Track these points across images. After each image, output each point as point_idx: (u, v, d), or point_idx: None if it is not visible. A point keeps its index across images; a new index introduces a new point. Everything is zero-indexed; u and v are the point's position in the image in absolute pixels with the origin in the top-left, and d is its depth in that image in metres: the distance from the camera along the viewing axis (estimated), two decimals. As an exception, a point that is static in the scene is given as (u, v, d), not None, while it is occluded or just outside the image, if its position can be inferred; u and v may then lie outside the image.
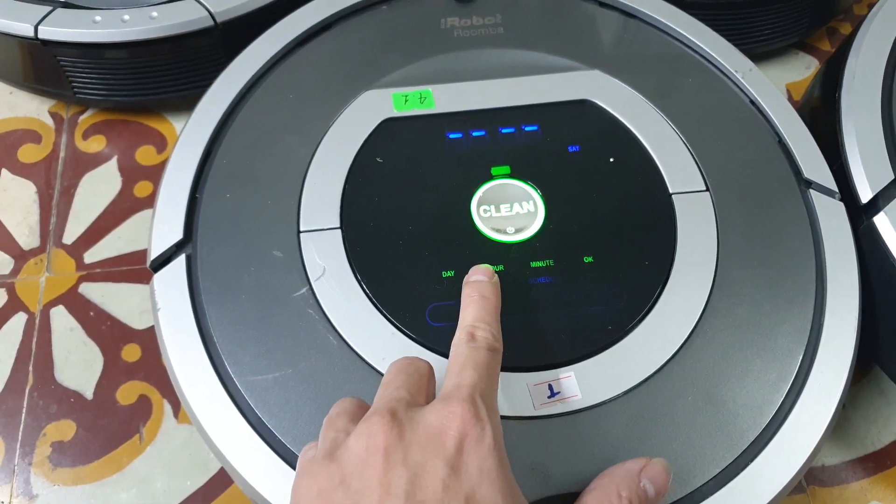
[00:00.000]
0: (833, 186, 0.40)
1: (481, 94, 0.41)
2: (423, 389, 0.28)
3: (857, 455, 0.42)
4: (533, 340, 0.35)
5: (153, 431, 0.42)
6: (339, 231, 0.37)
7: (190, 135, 0.40)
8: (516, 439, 0.32)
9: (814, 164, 0.41)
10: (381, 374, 0.33)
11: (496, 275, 0.33)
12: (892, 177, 0.40)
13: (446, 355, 0.34)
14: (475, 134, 0.40)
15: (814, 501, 0.41)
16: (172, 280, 0.36)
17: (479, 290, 0.32)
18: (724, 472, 0.32)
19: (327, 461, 0.25)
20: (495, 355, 0.29)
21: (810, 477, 0.42)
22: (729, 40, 0.45)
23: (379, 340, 0.34)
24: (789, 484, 0.32)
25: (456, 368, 0.28)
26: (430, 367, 0.30)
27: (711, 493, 0.32)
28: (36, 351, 0.44)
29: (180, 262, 0.36)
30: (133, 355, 0.44)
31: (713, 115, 0.42)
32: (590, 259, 0.37)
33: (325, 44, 0.44)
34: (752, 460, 0.32)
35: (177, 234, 0.37)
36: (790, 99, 0.56)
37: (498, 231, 0.37)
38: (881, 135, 0.41)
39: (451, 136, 0.40)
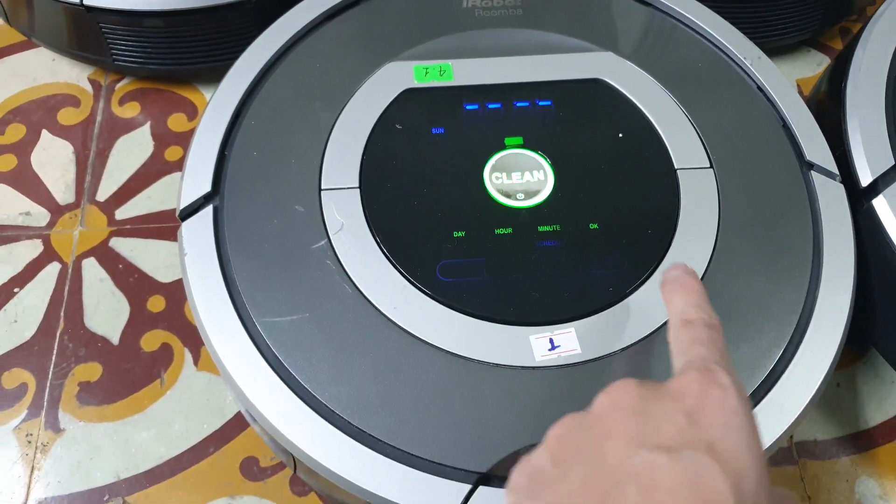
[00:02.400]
0: (834, 169, 0.41)
1: (499, 70, 0.43)
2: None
3: (850, 432, 0.44)
4: (537, 298, 0.36)
5: (173, 377, 0.44)
6: (357, 190, 0.39)
7: (221, 97, 0.43)
8: (517, 387, 0.34)
9: (816, 148, 0.42)
10: (393, 323, 0.35)
11: (691, 268, 0.33)
12: (893, 162, 0.41)
13: (454, 308, 0.36)
14: (491, 106, 0.42)
15: (805, 474, 0.42)
16: (199, 228, 0.38)
17: (678, 282, 0.31)
18: (714, 428, 0.34)
19: (576, 414, 0.26)
20: (715, 331, 0.28)
21: (802, 450, 0.43)
22: (742, 33, 0.47)
23: (391, 291, 0.36)
24: (776, 443, 0.34)
25: (681, 351, 0.28)
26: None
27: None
28: (68, 298, 0.47)
29: (207, 212, 0.38)
30: (158, 306, 0.46)
31: (720, 98, 0.43)
32: (595, 226, 0.38)
33: (351, 19, 0.46)
34: (740, 418, 0.34)
35: (205, 187, 0.39)
36: (800, 94, 0.57)
37: (508, 196, 0.39)
38: (884, 122, 0.43)
39: (468, 107, 0.42)
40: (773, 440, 0.34)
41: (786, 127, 0.43)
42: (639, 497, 0.21)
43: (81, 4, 0.48)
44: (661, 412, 0.24)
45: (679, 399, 0.24)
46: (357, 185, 0.39)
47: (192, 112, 0.55)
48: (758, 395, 0.35)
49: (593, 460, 0.23)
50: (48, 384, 0.43)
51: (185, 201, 0.39)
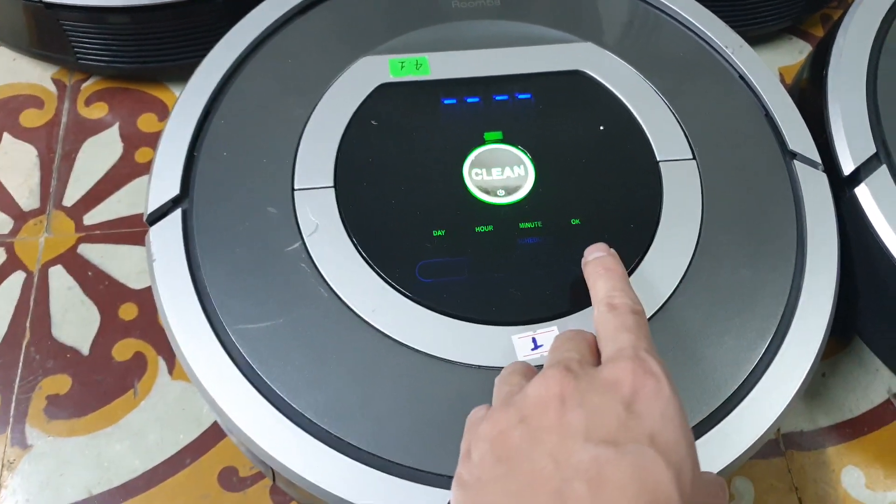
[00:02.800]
0: (817, 158, 0.41)
1: (476, 63, 0.42)
2: (593, 353, 0.28)
3: (835, 421, 0.43)
4: (519, 297, 0.35)
5: (147, 387, 0.43)
6: (332, 190, 0.38)
7: (189, 95, 0.41)
8: (500, 389, 0.33)
9: (799, 137, 0.42)
10: (371, 326, 0.34)
11: (613, 250, 0.33)
12: (874, 150, 0.41)
13: (435, 310, 0.35)
14: (469, 100, 0.41)
15: (792, 465, 0.42)
16: (168, 233, 0.37)
17: (601, 264, 0.32)
18: (699, 425, 0.33)
19: (505, 407, 0.26)
20: (640, 317, 0.29)
21: (789, 441, 0.43)
22: (724, 22, 0.46)
23: (369, 294, 0.35)
24: (761, 438, 0.33)
25: (609, 337, 0.28)
26: (595, 338, 0.29)
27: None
28: (34, 308, 0.45)
29: (176, 216, 0.37)
30: (130, 314, 0.45)
31: (702, 88, 0.43)
32: (577, 221, 0.38)
33: (323, 12, 0.45)
34: (727, 414, 0.33)
35: (174, 190, 0.38)
36: (782, 82, 0.57)
37: (489, 193, 0.38)
38: (865, 111, 0.42)
39: (446, 101, 0.41)
40: (762, 433, 0.33)
41: (768, 116, 0.42)
42: (588, 493, 0.22)
43: (41, 1, 0.47)
44: (599, 403, 0.24)
45: (615, 389, 0.25)
46: (332, 184, 0.38)
47: (163, 112, 0.53)
48: (745, 388, 0.34)
49: (538, 456, 0.23)
50: (14, 398, 0.42)
51: (153, 205, 0.37)
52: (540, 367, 0.28)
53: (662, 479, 0.22)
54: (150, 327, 0.44)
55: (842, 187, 0.41)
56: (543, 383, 0.25)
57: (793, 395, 0.34)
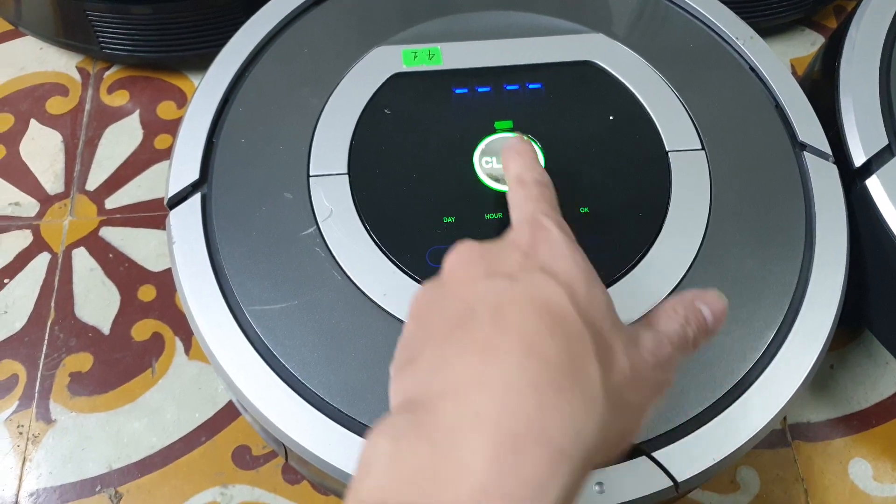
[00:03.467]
0: (827, 150, 0.41)
1: (488, 53, 0.43)
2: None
3: (843, 413, 0.44)
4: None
5: (165, 366, 0.44)
6: (346, 176, 0.39)
7: (209, 84, 0.42)
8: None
9: (809, 128, 0.42)
10: (383, 309, 0.35)
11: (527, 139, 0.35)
12: (886, 142, 0.41)
13: (444, 295, 0.36)
14: (480, 90, 0.42)
15: (798, 455, 0.42)
16: (188, 217, 0.38)
17: (513, 149, 0.34)
18: (707, 411, 0.34)
19: (426, 285, 0.28)
20: (545, 187, 0.31)
21: (796, 432, 0.43)
22: (735, 13, 0.46)
23: (381, 278, 0.36)
24: (768, 426, 0.34)
25: (516, 206, 0.30)
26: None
27: (691, 432, 0.33)
28: (58, 288, 0.46)
29: (196, 200, 0.38)
30: (148, 295, 0.46)
31: (712, 79, 0.43)
32: (585, 210, 0.38)
33: (339, 3, 0.46)
34: (734, 401, 0.34)
35: (193, 175, 0.39)
36: (793, 74, 0.57)
37: (498, 181, 0.39)
38: (877, 102, 0.42)
39: (458, 91, 0.42)
40: (767, 421, 0.34)
41: (778, 108, 0.42)
42: (488, 315, 0.24)
43: (67, -9, 0.48)
44: (500, 255, 0.27)
45: (514, 243, 0.27)
46: (346, 171, 0.39)
47: (181, 99, 0.54)
48: (751, 377, 0.35)
49: (448, 303, 0.26)
50: (39, 375, 0.43)
51: (173, 189, 0.39)
52: None
53: (554, 294, 0.24)
54: (168, 309, 0.46)
55: (852, 179, 0.41)
56: (454, 253, 0.28)
57: (799, 384, 0.34)
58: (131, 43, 0.51)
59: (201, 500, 0.40)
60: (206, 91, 0.42)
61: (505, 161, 0.34)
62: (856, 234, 0.40)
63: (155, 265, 0.47)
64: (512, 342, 0.23)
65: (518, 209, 0.30)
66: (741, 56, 0.44)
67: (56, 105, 0.53)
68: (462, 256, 0.27)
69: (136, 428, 0.42)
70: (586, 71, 0.43)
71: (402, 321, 0.35)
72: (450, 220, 0.38)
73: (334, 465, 0.32)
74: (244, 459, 0.41)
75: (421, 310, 0.27)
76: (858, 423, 0.43)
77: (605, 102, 0.42)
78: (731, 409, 0.34)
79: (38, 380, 0.43)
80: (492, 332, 0.23)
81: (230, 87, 0.42)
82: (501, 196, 0.38)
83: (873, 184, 0.40)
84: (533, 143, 0.36)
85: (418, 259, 0.36)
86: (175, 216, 0.38)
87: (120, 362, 0.44)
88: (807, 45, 0.59)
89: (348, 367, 0.34)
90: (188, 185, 0.38)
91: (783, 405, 0.34)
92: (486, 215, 0.38)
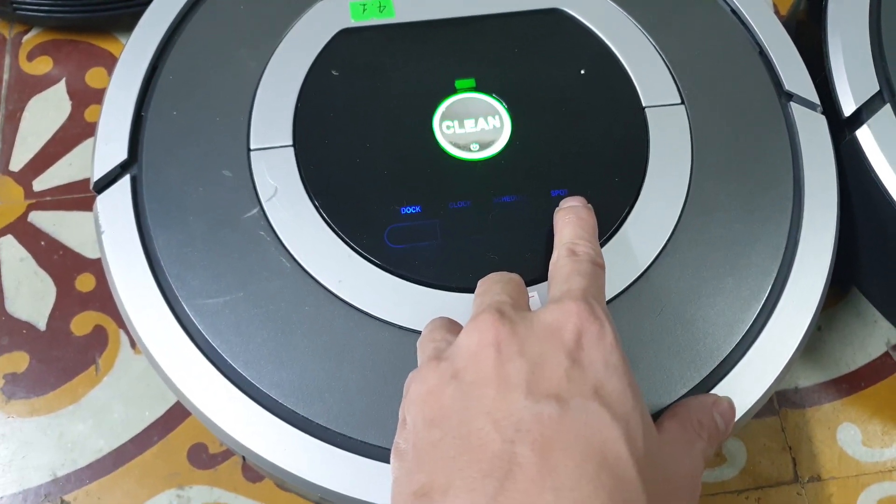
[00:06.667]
0: (815, 99, 0.38)
1: (445, 3, 0.39)
2: (523, 296, 0.27)
3: (831, 377, 0.42)
4: (497, 260, 0.33)
5: (109, 362, 0.41)
6: (291, 149, 0.35)
7: (133, 49, 0.38)
8: (477, 361, 0.31)
9: (795, 76, 0.39)
10: (337, 298, 0.32)
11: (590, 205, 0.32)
12: (877, 88, 0.38)
13: (407, 278, 0.33)
14: (438, 45, 0.38)
15: (786, 423, 0.41)
16: (117, 202, 0.34)
17: (574, 213, 0.30)
18: (692, 391, 0.31)
19: (435, 363, 0.23)
20: (599, 269, 0.27)
21: (783, 399, 0.41)
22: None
23: (334, 263, 0.33)
24: (757, 404, 0.32)
25: (561, 279, 0.26)
26: (522, 281, 0.28)
27: (678, 413, 0.31)
28: (-15, 282, 0.42)
29: (125, 183, 0.34)
30: (87, 285, 0.43)
31: (691, 25, 0.39)
32: (556, 174, 0.35)
33: (278, -49, 0.41)
34: (720, 379, 0.32)
35: (121, 155, 0.35)
36: (776, 14, 0.53)
37: (462, 148, 0.35)
38: (867, 45, 0.39)
39: (413, 47, 0.38)
40: (758, 397, 0.32)
41: (762, 54, 0.39)
42: (533, 457, 0.20)
43: (-33, -55, 0.43)
44: (540, 352, 0.22)
45: (557, 334, 0.23)
46: (291, 142, 0.35)
47: (113, 65, 0.48)
48: (740, 351, 0.32)
49: (474, 416, 0.21)
50: (-31, 379, 0.40)
51: (100, 172, 0.35)
52: None
53: (611, 435, 0.21)
54: (110, 299, 0.41)
55: (842, 130, 0.38)
56: (476, 330, 0.23)
57: (790, 356, 0.32)
58: (49, 2, 0.46)
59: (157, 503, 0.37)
60: (131, 58, 0.37)
61: (559, 223, 0.30)
62: (845, 188, 0.37)
63: (93, 252, 0.43)
64: None
65: (563, 283, 0.26)
66: (721, -2, 0.41)
67: (-30, 76, 0.48)
68: (488, 338, 0.22)
69: (80, 430, 0.39)
70: (554, 20, 0.39)
71: (360, 310, 0.32)
72: (410, 194, 0.34)
73: (291, 472, 0.29)
74: (201, 458, 0.39)
75: (434, 411, 0.22)
76: (847, 386, 0.41)
77: (575, 55, 0.38)
78: (719, 387, 0.32)
79: (-31, 384, 0.40)
80: (537, 491, 0.19)
81: (158, 52, 0.37)
82: (465, 165, 0.35)
83: (864, 135, 0.37)
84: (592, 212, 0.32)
85: (376, 240, 0.33)
86: (102, 202, 0.34)
87: (59, 360, 0.40)
88: (789, -19, 0.55)
89: (302, 363, 0.31)
90: (116, 167, 0.35)
91: (774, 379, 0.32)
92: (449, 188, 0.34)
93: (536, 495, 0.19)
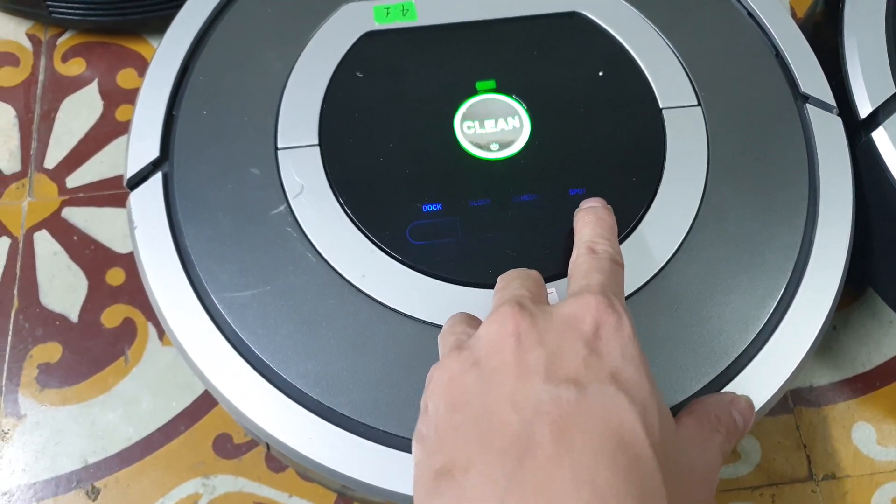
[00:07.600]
0: (831, 101, 0.39)
1: (466, 6, 0.40)
2: (542, 291, 0.27)
3: (846, 376, 0.42)
4: (516, 257, 0.34)
5: (138, 353, 0.42)
6: (317, 148, 0.36)
7: (165, 52, 0.39)
8: (496, 354, 0.32)
9: (812, 79, 0.39)
10: (361, 292, 0.33)
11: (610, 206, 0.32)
12: (894, 90, 0.38)
13: (427, 273, 0.33)
14: (459, 47, 0.39)
15: (800, 421, 0.41)
16: (149, 198, 0.35)
17: (594, 213, 0.31)
18: (706, 387, 0.32)
19: (457, 352, 0.24)
20: (618, 267, 0.28)
21: (797, 397, 0.42)
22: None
23: (358, 258, 0.34)
24: (770, 401, 0.32)
25: (580, 275, 0.27)
26: (540, 276, 0.29)
27: (693, 408, 0.32)
28: (20, 275, 0.44)
29: (157, 179, 0.35)
30: (117, 279, 0.44)
31: (708, 28, 0.40)
32: (575, 174, 0.36)
33: (304, -44, 0.42)
34: (734, 376, 0.32)
35: (153, 152, 0.36)
36: (793, 16, 0.53)
37: (482, 148, 0.36)
38: (884, 47, 0.39)
39: (434, 49, 0.39)
40: (772, 395, 0.32)
41: (779, 56, 0.40)
42: (552, 438, 0.20)
43: (6, -49, 0.44)
44: (559, 341, 0.23)
45: (575, 325, 0.23)
46: (317, 142, 0.36)
47: (143, 66, 0.51)
48: (754, 349, 0.33)
49: (495, 400, 0.22)
50: (5, 368, 0.41)
51: (133, 169, 0.36)
52: None
53: (627, 417, 0.21)
54: (139, 292, 0.43)
55: (857, 131, 0.38)
56: (497, 321, 0.24)
57: (804, 354, 0.33)
58: (83, 6, 0.48)
59: (182, 491, 0.39)
60: (163, 60, 0.39)
61: (579, 223, 0.31)
62: (860, 189, 0.38)
63: (123, 247, 0.45)
64: (581, 491, 0.19)
65: (582, 278, 0.26)
66: (738, 1, 0.41)
67: (7, 76, 0.50)
68: (508, 328, 0.23)
69: (110, 419, 0.40)
70: (573, 23, 0.40)
71: (382, 304, 0.32)
72: (431, 192, 0.35)
73: (315, 460, 0.30)
74: (225, 448, 0.40)
75: (455, 396, 0.23)
76: (863, 385, 0.42)
77: (593, 57, 0.39)
78: (733, 384, 0.32)
79: (5, 373, 0.41)
80: (555, 468, 0.20)
81: (188, 54, 0.39)
82: (485, 164, 0.36)
83: (880, 136, 0.38)
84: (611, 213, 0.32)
85: (398, 236, 0.34)
86: (135, 198, 0.35)
87: (90, 351, 0.42)
88: (806, -16, 0.55)
89: (326, 355, 0.32)
90: (148, 164, 0.36)
91: (788, 377, 0.33)
92: (470, 187, 0.35)
93: (554, 472, 0.20)
